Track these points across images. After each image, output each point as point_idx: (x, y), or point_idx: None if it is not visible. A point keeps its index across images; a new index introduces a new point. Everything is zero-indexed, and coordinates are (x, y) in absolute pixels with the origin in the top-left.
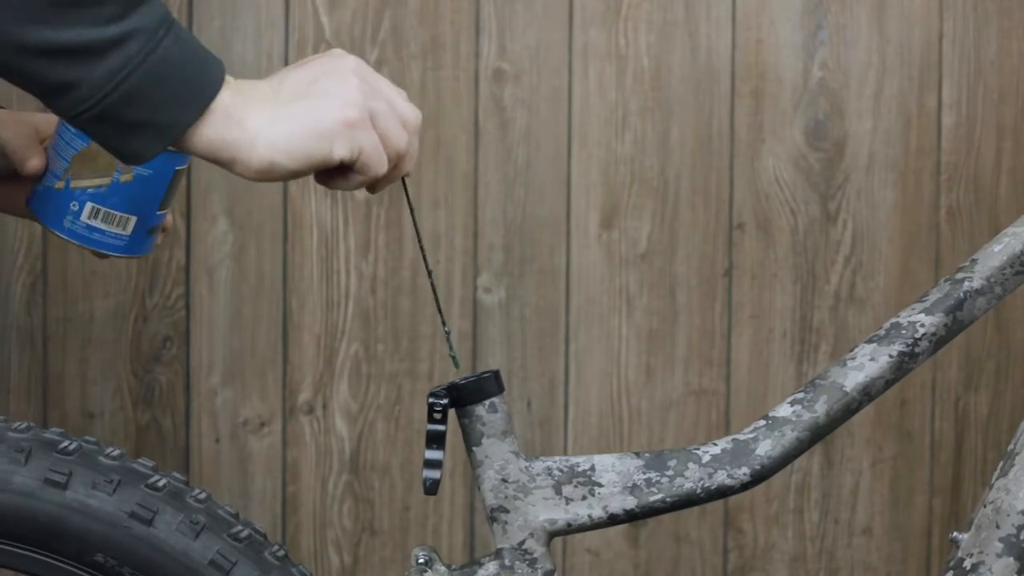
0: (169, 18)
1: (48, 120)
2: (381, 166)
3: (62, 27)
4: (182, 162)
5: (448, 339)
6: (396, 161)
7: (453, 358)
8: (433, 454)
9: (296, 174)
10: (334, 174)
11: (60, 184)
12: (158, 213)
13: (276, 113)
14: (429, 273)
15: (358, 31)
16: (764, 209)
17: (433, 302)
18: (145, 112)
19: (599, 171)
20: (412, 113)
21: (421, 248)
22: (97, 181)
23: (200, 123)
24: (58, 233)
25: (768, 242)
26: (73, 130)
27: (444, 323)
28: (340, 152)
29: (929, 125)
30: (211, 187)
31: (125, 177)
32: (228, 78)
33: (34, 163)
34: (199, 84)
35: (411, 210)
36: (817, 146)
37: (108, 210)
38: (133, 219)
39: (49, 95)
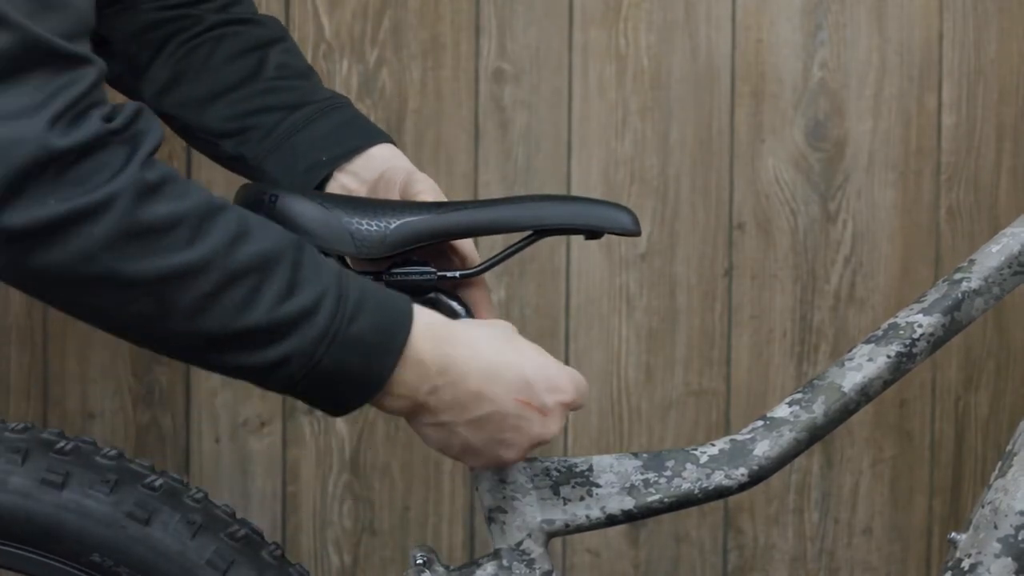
0: (330, 331)
1: None
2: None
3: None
4: None
5: None
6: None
7: None
8: None
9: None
10: None
11: None
12: None
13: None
14: None
15: (358, 31)
16: (764, 209)
17: None
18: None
19: (599, 171)
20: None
21: None
22: None
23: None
24: None
25: (768, 242)
26: None
27: None
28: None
29: (929, 125)
30: (211, 187)
31: None
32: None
33: None
34: (360, 386)
35: None
36: (817, 146)
37: None
38: None
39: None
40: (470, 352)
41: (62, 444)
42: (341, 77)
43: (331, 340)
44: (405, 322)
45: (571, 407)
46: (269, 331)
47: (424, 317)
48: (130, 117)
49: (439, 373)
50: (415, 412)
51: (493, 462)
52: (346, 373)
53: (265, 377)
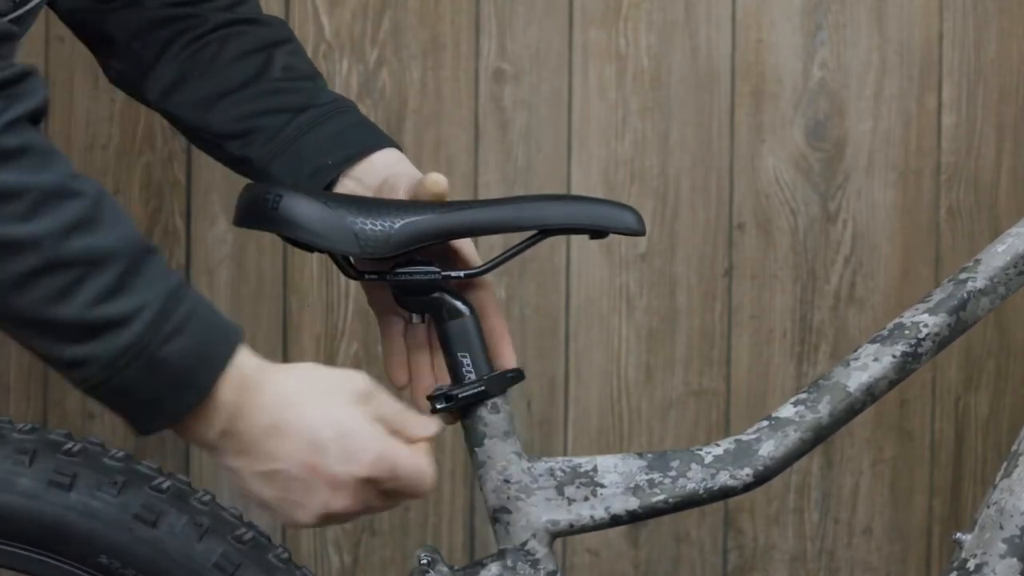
0: (136, 347)
1: None
2: None
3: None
4: None
5: None
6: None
7: None
8: None
9: None
10: None
11: None
12: None
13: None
14: None
15: (358, 31)
16: (764, 209)
17: None
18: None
19: (599, 171)
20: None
21: None
22: None
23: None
24: None
25: (768, 242)
26: None
27: None
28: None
29: (929, 125)
30: (211, 187)
31: None
32: (233, 371)
33: None
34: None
35: None
36: (817, 146)
37: None
38: None
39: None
40: (270, 402)
41: (70, 445)
42: (341, 77)
43: (134, 356)
44: (220, 360)
45: (381, 486)
46: (76, 328)
47: (242, 360)
48: (12, 76)
49: (229, 418)
50: (211, 451)
51: (288, 520)
52: (145, 395)
53: (62, 372)
